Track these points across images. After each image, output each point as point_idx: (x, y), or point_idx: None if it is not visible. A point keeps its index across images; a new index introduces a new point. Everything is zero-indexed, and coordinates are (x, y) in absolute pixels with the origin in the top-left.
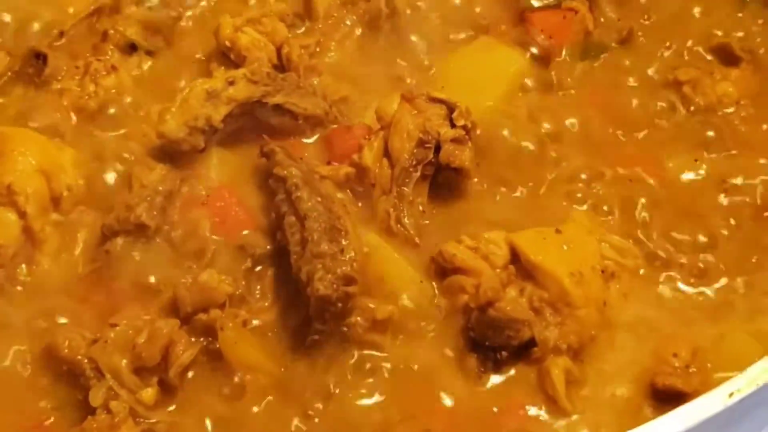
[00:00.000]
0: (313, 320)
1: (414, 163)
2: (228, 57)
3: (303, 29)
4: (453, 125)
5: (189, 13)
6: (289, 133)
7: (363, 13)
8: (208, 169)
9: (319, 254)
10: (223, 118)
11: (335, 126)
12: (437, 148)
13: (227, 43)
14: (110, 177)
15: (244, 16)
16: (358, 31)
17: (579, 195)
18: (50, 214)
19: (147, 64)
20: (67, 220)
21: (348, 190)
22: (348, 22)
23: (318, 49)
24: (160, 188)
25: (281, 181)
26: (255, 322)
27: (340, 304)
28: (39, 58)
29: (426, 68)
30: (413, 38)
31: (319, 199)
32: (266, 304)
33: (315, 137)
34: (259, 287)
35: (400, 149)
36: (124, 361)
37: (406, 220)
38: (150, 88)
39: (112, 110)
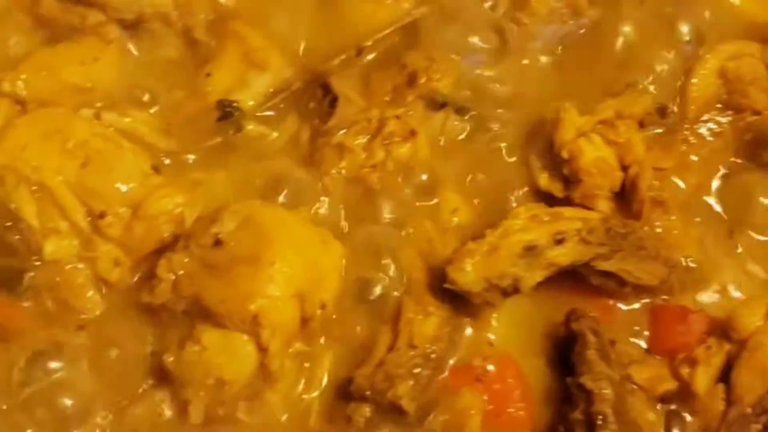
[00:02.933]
0: None
1: (759, 411)
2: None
3: (662, 130)
4: None
5: None
6: (608, 294)
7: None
8: (494, 323)
9: None
10: (535, 284)
11: (666, 299)
12: None
13: (564, 154)
14: (376, 290)
15: (595, 116)
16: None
17: None
18: (294, 344)
19: (452, 126)
20: (311, 351)
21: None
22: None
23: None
24: (433, 355)
25: (585, 393)
26: None
27: None
28: (326, 93)
29: None
30: None
31: None
32: None
33: (638, 305)
34: None
35: (748, 388)
36: None
37: None
38: (450, 162)
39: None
